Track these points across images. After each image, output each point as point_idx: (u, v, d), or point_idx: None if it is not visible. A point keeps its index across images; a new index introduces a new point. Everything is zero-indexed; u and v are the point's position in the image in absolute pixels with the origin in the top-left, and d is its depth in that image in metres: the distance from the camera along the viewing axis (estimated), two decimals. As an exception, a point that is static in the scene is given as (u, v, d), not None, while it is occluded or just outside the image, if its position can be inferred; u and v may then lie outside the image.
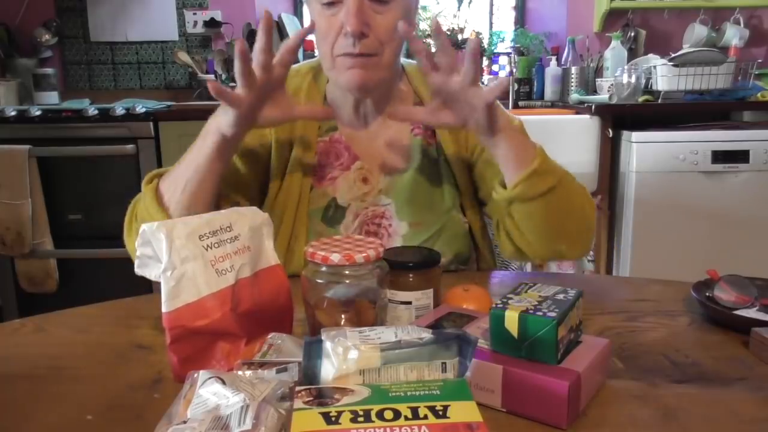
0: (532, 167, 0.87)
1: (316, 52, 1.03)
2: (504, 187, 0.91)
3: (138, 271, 0.69)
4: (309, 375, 0.51)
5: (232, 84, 3.51)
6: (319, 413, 0.44)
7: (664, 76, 2.55)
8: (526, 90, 2.99)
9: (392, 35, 0.92)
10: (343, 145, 1.04)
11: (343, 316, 0.68)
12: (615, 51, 2.85)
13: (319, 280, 0.67)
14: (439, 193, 1.05)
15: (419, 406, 0.45)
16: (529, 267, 1.76)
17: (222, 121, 0.86)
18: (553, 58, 2.97)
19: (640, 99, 2.54)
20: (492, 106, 0.83)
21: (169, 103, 2.74)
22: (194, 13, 3.07)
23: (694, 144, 2.43)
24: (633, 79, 2.52)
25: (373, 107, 1.03)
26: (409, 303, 0.74)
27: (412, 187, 1.03)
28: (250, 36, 2.98)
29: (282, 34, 3.06)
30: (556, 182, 0.89)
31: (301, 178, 1.02)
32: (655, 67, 2.59)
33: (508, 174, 0.90)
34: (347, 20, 0.88)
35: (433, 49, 0.85)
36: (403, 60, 1.07)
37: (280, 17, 3.05)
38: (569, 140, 2.52)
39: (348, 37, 0.89)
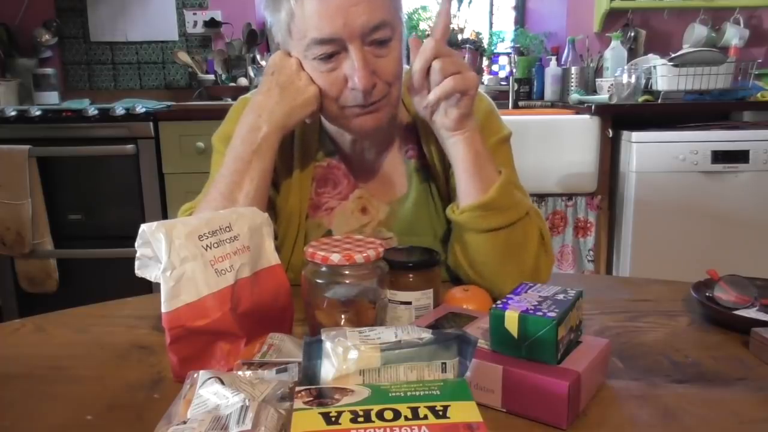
0: (482, 200, 0.83)
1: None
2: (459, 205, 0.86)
3: (138, 272, 0.69)
4: (309, 375, 0.51)
5: (231, 84, 3.47)
6: (319, 413, 0.44)
7: (664, 76, 2.54)
8: (526, 90, 2.99)
9: (398, 74, 0.87)
10: (342, 171, 1.00)
11: (343, 316, 0.68)
12: (615, 51, 2.85)
13: (319, 280, 0.67)
14: (438, 220, 0.99)
15: (419, 407, 0.45)
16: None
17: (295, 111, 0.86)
18: (553, 58, 2.97)
19: (640, 99, 2.54)
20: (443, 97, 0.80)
21: (169, 103, 2.74)
22: (194, 13, 3.07)
23: (694, 144, 2.43)
24: (633, 79, 2.52)
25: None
26: (409, 303, 0.74)
27: (412, 217, 0.98)
28: (250, 36, 2.98)
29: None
30: (505, 222, 0.84)
31: (299, 205, 0.96)
32: (654, 67, 2.59)
33: (461, 192, 0.86)
34: (356, 76, 0.82)
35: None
36: None
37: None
38: (569, 140, 2.53)
39: (357, 91, 0.84)
